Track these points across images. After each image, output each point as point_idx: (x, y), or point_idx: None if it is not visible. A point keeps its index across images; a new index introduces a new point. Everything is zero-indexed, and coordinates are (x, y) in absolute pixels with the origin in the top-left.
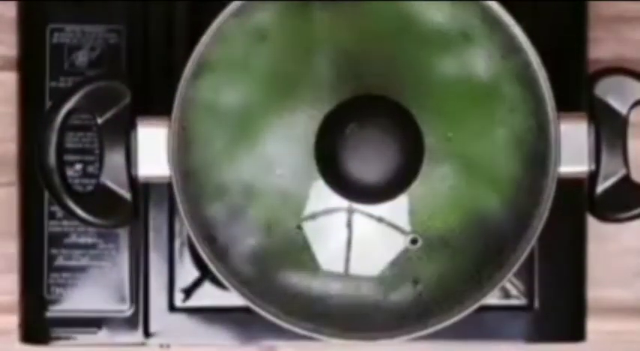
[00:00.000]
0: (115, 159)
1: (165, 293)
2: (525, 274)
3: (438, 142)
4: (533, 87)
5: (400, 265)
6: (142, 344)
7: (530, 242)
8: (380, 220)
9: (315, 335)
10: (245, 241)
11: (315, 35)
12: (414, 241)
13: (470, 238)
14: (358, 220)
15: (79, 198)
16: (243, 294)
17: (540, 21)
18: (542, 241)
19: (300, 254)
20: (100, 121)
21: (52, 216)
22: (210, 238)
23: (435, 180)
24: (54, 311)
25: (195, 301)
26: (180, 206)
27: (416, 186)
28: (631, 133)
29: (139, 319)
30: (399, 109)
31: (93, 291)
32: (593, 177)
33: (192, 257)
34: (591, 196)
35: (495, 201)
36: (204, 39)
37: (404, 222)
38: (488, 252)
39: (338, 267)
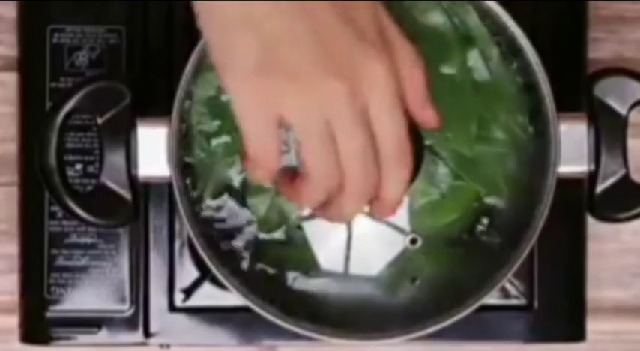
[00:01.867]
0: (115, 159)
1: (165, 293)
2: (525, 274)
3: (438, 143)
4: (533, 87)
5: (400, 264)
6: (142, 344)
7: (530, 242)
8: (380, 219)
9: (315, 335)
10: (245, 240)
11: None
12: (413, 241)
13: (469, 238)
14: (358, 220)
15: (79, 198)
16: (243, 294)
17: (540, 21)
18: (542, 241)
19: (300, 254)
20: (100, 121)
21: (52, 216)
22: (210, 238)
23: (435, 180)
24: (54, 311)
25: (195, 301)
26: (180, 206)
27: (416, 186)
28: (631, 133)
29: (139, 319)
30: None
31: (93, 291)
32: (592, 177)
33: (192, 257)
34: (591, 196)
35: (495, 201)
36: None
37: (404, 222)
38: (488, 252)
39: (338, 267)
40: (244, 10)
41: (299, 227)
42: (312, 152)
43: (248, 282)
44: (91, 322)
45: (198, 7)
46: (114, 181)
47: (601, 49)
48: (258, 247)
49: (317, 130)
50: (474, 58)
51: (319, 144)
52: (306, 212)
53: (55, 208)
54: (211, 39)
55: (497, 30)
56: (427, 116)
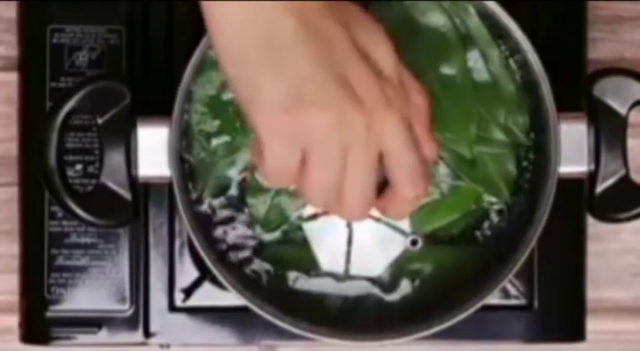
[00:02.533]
0: (115, 159)
1: (165, 293)
2: (525, 274)
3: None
4: (533, 87)
5: (400, 265)
6: (142, 344)
7: (531, 242)
8: (380, 220)
9: (314, 335)
10: (245, 241)
11: None
12: (413, 242)
13: (469, 239)
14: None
15: (79, 198)
16: (242, 294)
17: (540, 21)
18: (542, 241)
19: (300, 254)
20: (100, 121)
21: (53, 216)
22: (210, 238)
23: (435, 180)
24: (54, 311)
25: (195, 301)
26: (180, 206)
27: None
28: (631, 133)
29: (139, 319)
30: None
31: (93, 291)
32: (592, 177)
33: (192, 257)
34: (591, 196)
35: (495, 201)
36: (204, 39)
37: (404, 223)
38: (488, 252)
39: (338, 267)
40: (268, 51)
41: (299, 227)
42: (321, 172)
43: (248, 282)
44: (91, 322)
45: (217, 47)
46: (114, 181)
47: (601, 49)
48: (258, 247)
49: (334, 157)
50: (474, 59)
51: (332, 170)
52: (306, 212)
53: (55, 208)
54: (232, 73)
55: (497, 30)
56: (428, 149)
